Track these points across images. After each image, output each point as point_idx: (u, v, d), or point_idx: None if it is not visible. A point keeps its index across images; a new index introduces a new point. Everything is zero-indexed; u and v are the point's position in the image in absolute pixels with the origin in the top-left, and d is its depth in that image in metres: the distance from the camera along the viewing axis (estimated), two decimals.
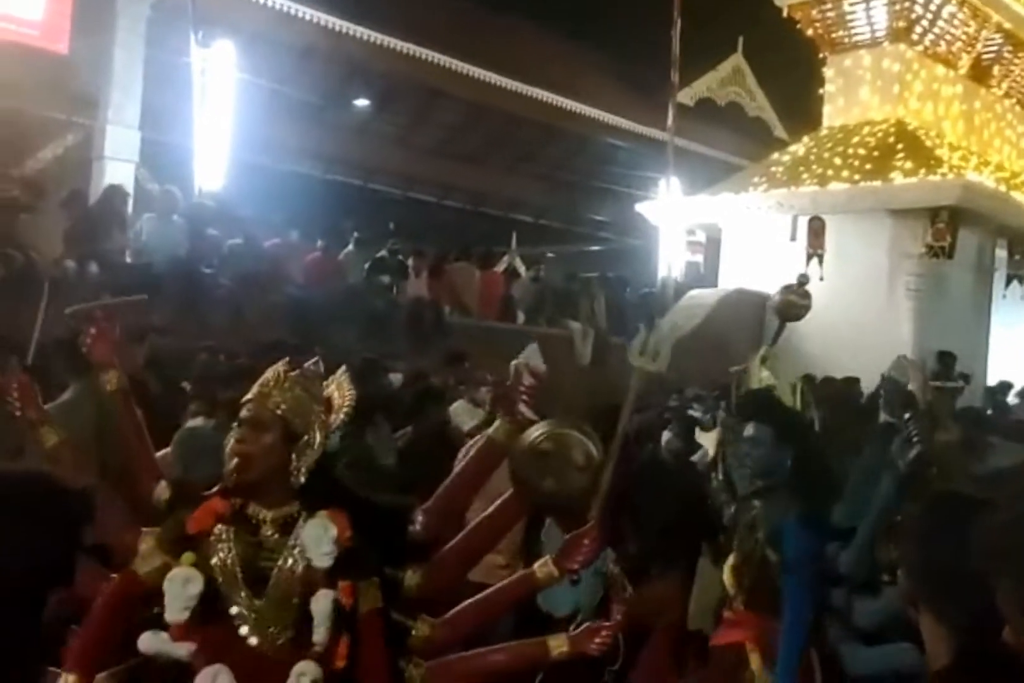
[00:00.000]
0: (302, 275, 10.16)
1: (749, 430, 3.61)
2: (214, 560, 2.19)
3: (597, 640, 2.40)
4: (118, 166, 11.42)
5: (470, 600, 2.47)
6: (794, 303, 5.02)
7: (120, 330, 3.00)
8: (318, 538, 2.18)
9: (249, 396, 2.29)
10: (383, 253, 11.56)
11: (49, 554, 2.02)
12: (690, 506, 5.64)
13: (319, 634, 2.13)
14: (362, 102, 16.23)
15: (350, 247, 11.27)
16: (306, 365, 2.40)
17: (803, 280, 5.23)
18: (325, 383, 2.43)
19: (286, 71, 14.05)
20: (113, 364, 2.89)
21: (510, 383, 2.77)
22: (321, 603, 2.14)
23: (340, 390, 2.42)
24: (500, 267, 14.70)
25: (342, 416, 2.35)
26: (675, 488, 5.67)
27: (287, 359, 2.40)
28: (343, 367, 2.52)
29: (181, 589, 2.15)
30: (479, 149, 18.16)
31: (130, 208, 9.36)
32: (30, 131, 13.51)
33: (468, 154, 18.02)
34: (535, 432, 2.70)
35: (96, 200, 9.28)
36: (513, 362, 3.54)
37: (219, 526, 2.23)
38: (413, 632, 2.33)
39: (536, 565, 2.47)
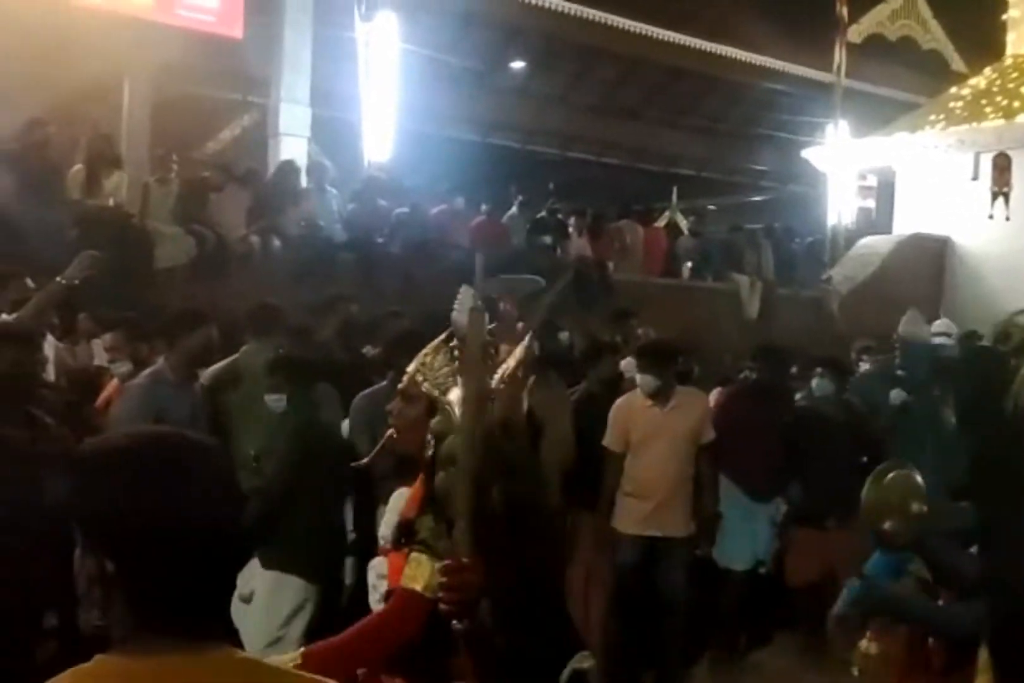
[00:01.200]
0: (468, 240, 10.44)
1: None
2: None
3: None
4: (292, 142, 11.97)
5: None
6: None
7: None
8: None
9: (410, 367, 2.30)
10: (543, 214, 11.72)
11: None
12: (860, 445, 5.62)
13: None
14: (519, 64, 16.32)
15: (514, 210, 11.48)
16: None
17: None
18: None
19: (446, 39, 14.29)
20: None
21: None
22: None
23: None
24: (661, 223, 14.61)
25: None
26: (842, 430, 5.64)
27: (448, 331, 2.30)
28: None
29: None
30: (637, 104, 17.96)
31: (304, 182, 9.81)
32: (210, 114, 14.36)
33: (626, 110, 17.86)
34: None
35: (270, 176, 9.78)
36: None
37: None
38: None
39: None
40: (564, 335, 7.30)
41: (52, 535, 3.08)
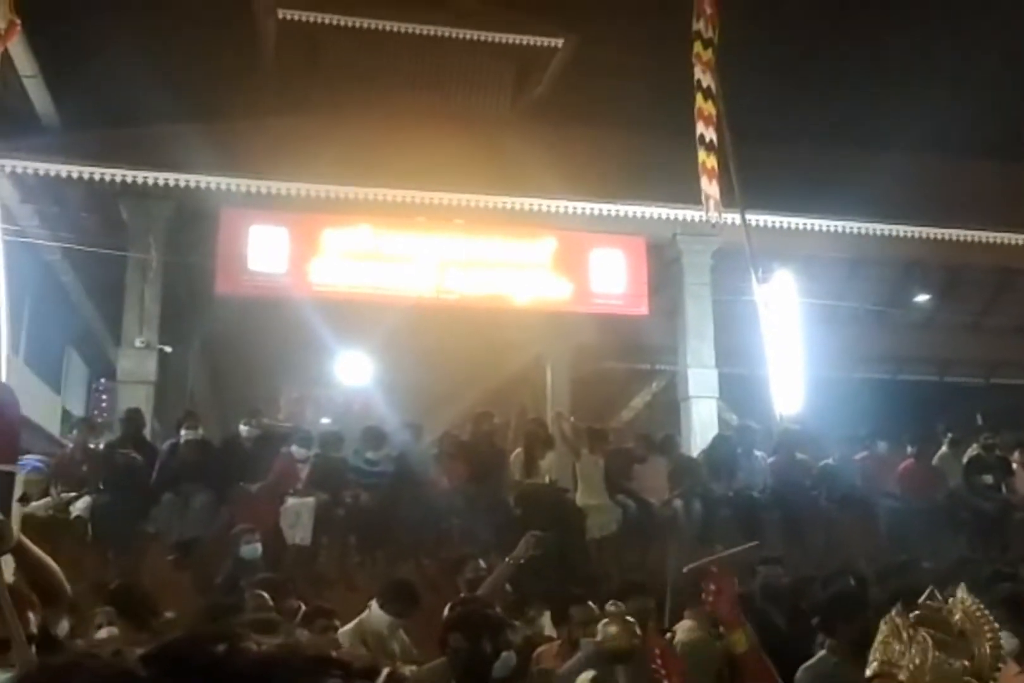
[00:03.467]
0: (898, 485, 9.93)
1: None
2: None
3: None
4: (701, 403, 12.47)
5: None
6: None
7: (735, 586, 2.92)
8: None
9: (875, 670, 2.01)
10: (978, 451, 10.89)
11: None
12: None
13: None
14: (924, 297, 15.99)
15: (944, 448, 10.81)
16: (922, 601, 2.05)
17: None
18: (948, 609, 2.07)
19: (841, 285, 14.49)
20: (740, 622, 2.83)
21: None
22: None
23: (975, 624, 2.05)
24: None
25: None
26: None
27: (906, 607, 2.07)
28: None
29: None
30: None
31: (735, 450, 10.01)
32: (623, 384, 15.45)
33: None
34: None
35: (704, 449, 10.14)
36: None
37: None
38: None
39: None
40: None
41: None
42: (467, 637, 3.74)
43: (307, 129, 12.09)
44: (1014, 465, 10.62)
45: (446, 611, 5.20)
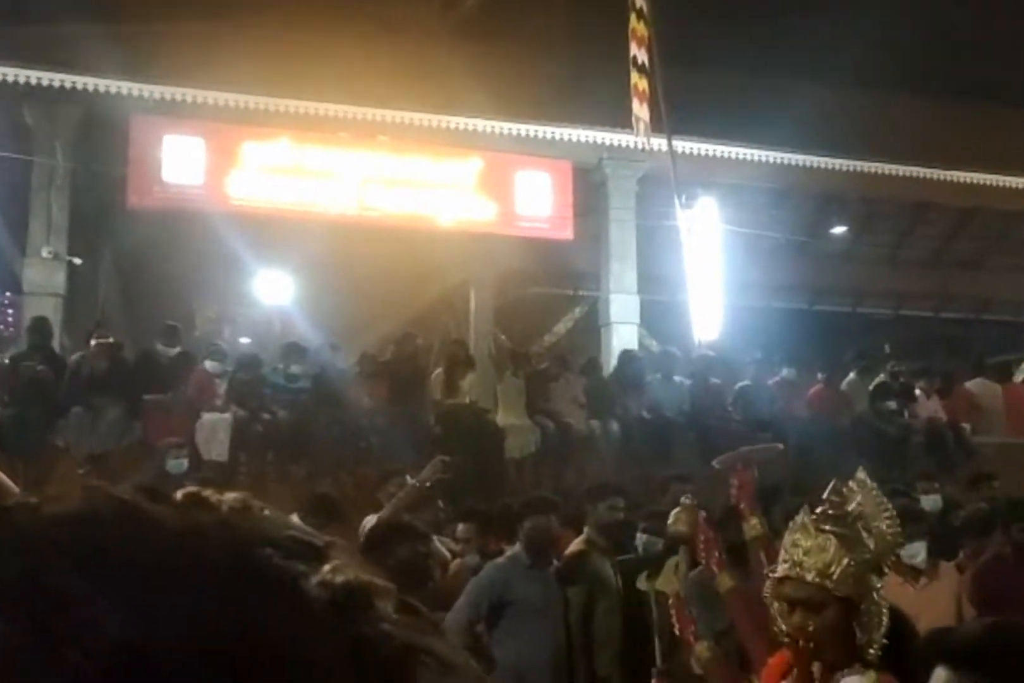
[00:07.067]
0: (808, 409, 10.24)
1: None
2: None
3: None
4: (623, 329, 12.58)
5: None
6: None
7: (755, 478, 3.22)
8: None
9: (785, 572, 2.19)
10: (884, 378, 11.26)
11: None
12: None
13: None
14: (841, 229, 16.26)
15: (852, 375, 11.15)
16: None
17: None
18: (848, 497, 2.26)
19: (764, 215, 14.63)
20: (756, 510, 3.11)
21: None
22: None
23: (872, 506, 2.27)
24: (1020, 377, 13.46)
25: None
26: None
27: (811, 510, 2.27)
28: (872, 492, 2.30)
29: None
30: (975, 253, 17.10)
31: (642, 368, 10.21)
32: (546, 309, 15.49)
33: (962, 261, 17.03)
34: None
35: (614, 367, 10.29)
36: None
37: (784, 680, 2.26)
38: None
39: None
40: (931, 499, 6.86)
41: None
42: (385, 550, 3.77)
43: (225, 35, 11.55)
44: (917, 392, 11.04)
45: (363, 525, 5.24)
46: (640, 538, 5.27)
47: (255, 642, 0.39)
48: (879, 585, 2.18)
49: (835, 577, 2.13)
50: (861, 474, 2.33)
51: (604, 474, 8.10)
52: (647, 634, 4.96)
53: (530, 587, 4.78)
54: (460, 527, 5.79)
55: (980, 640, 1.13)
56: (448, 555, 5.45)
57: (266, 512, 0.48)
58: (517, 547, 4.97)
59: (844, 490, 2.31)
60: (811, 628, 2.11)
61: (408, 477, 5.79)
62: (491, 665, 4.22)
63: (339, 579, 0.44)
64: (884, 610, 2.13)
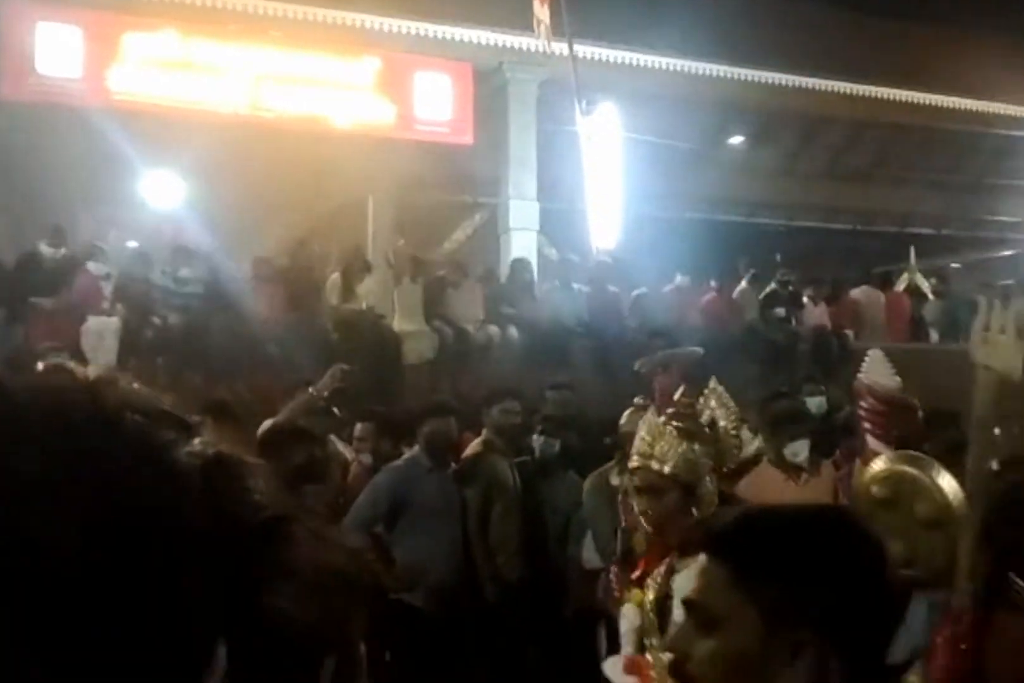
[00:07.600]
0: (701, 317, 10.47)
1: None
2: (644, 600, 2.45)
3: None
4: (522, 236, 12.56)
5: None
6: None
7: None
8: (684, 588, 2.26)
9: (635, 463, 2.42)
10: (774, 286, 11.58)
11: None
12: None
13: None
14: (738, 139, 16.40)
15: (743, 284, 11.42)
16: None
17: None
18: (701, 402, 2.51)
19: (664, 123, 14.62)
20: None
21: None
22: None
23: (725, 408, 2.52)
24: (901, 286, 14.02)
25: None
26: None
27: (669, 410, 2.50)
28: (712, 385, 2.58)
29: (625, 625, 2.48)
30: (865, 167, 17.49)
31: (535, 275, 10.26)
32: (446, 216, 15.30)
33: (852, 174, 17.43)
34: (870, 471, 2.39)
35: (507, 274, 10.30)
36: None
37: (657, 570, 2.44)
38: None
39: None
40: (816, 401, 7.08)
41: None
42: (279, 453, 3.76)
43: None
44: (805, 300, 11.40)
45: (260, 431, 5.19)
46: (537, 440, 5.38)
47: (115, 501, 0.38)
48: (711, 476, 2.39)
49: (673, 462, 2.34)
50: (713, 382, 2.58)
51: (501, 380, 8.18)
52: (545, 534, 5.14)
53: (429, 489, 4.86)
54: (358, 427, 5.82)
55: (730, 526, 1.21)
56: (349, 457, 5.49)
57: (136, 387, 0.47)
58: (416, 449, 5.03)
59: (700, 397, 2.54)
60: (650, 512, 2.30)
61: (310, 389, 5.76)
62: (391, 564, 4.31)
63: (210, 450, 0.44)
64: (715, 495, 2.36)
